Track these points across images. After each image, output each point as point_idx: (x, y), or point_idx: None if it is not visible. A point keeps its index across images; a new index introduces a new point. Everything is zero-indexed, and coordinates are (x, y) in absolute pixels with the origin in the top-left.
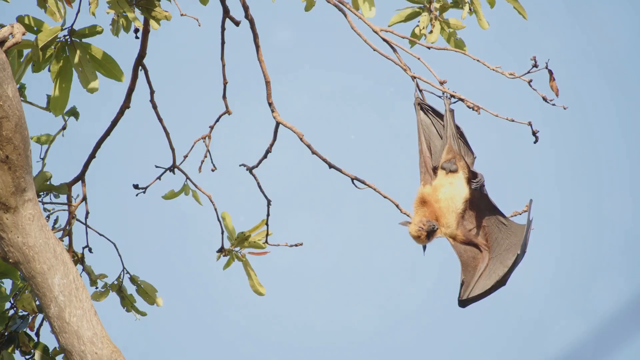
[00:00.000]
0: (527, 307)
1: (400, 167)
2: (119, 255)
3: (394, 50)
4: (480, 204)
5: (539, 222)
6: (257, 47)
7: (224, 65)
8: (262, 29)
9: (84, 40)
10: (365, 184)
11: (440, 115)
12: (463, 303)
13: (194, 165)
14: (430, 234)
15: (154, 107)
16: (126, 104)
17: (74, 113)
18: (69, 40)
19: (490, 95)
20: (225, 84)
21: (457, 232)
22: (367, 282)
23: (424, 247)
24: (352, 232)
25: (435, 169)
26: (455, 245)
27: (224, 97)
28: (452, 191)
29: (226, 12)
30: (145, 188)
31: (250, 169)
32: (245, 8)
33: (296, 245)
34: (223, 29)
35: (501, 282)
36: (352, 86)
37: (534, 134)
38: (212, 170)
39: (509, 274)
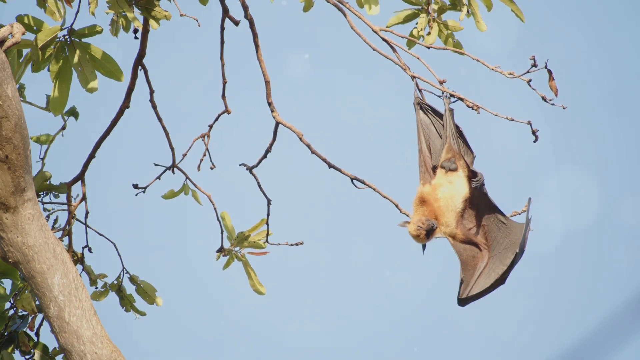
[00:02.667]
0: (527, 307)
1: (399, 166)
2: (119, 255)
3: (394, 50)
4: (479, 203)
5: (538, 222)
6: (257, 46)
7: (223, 65)
8: (262, 29)
9: (83, 40)
10: (364, 183)
11: (439, 115)
12: (462, 302)
13: (193, 165)
14: (429, 232)
15: (154, 106)
16: (126, 104)
17: (73, 113)
18: (68, 40)
19: (489, 95)
20: (224, 83)
21: (457, 231)
22: (367, 282)
23: (424, 247)
24: (352, 232)
25: (435, 169)
26: (454, 244)
27: (224, 96)
28: (452, 190)
29: (225, 12)
30: (145, 187)
31: (250, 169)
32: (245, 8)
33: (296, 244)
34: (222, 28)
35: (500, 281)
36: (352, 86)
37: (533, 133)
38: (211, 169)
39: (507, 273)
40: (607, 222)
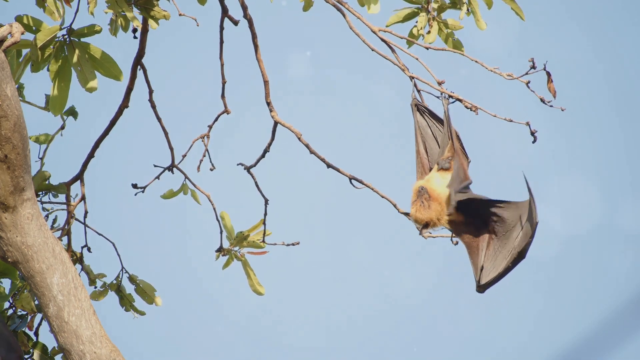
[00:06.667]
0: (527, 307)
1: (398, 166)
2: (118, 255)
3: (392, 50)
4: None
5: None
6: (256, 46)
7: (222, 65)
8: (261, 28)
9: (82, 39)
10: (363, 183)
11: (436, 117)
12: (482, 288)
13: (192, 165)
14: (421, 196)
15: (153, 106)
16: (125, 104)
17: (72, 112)
18: (67, 39)
19: (488, 96)
20: (223, 83)
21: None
22: (366, 281)
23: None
24: (350, 232)
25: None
26: (456, 227)
27: (223, 96)
28: (444, 179)
29: (225, 12)
30: (144, 187)
31: (248, 168)
32: (244, 7)
33: (293, 244)
34: (222, 28)
35: (521, 256)
36: (350, 86)
37: (532, 134)
38: (211, 170)
39: (528, 246)
40: (607, 227)
